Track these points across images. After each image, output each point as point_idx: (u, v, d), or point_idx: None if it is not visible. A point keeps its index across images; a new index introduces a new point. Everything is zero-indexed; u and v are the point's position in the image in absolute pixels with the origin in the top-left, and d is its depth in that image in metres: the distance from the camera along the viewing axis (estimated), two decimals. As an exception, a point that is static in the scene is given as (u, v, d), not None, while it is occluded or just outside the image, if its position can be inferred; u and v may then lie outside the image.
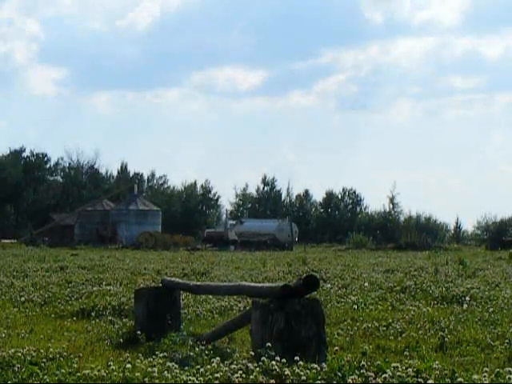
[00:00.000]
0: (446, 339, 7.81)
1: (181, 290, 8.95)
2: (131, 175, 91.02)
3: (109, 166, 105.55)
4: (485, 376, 5.05)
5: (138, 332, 8.13)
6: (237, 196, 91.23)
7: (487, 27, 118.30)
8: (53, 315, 10.79)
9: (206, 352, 6.49)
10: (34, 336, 8.86)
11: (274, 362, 5.39)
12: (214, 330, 8.18)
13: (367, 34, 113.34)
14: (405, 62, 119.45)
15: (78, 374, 5.54)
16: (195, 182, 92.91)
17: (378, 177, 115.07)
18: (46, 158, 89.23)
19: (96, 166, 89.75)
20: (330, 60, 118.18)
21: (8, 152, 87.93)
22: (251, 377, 5.21)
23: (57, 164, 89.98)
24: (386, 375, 5.09)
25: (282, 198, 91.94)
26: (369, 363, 5.44)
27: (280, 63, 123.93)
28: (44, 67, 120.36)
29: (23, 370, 5.93)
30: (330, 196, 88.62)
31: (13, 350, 6.71)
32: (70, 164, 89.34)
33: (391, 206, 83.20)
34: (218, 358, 5.75)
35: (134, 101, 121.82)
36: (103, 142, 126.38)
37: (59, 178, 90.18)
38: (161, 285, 8.99)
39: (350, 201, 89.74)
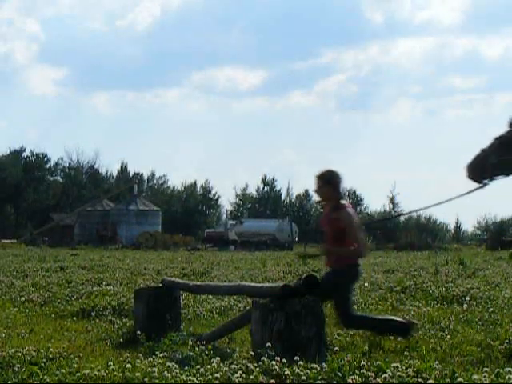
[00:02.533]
0: (445, 339, 7.81)
1: (181, 290, 8.96)
2: (131, 175, 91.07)
3: (109, 166, 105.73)
4: (485, 376, 5.05)
5: (138, 332, 8.12)
6: (237, 196, 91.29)
7: (487, 27, 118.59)
8: (53, 315, 10.79)
9: (206, 352, 6.48)
10: (34, 336, 8.85)
11: (273, 362, 5.39)
12: (213, 330, 8.18)
13: (367, 34, 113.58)
14: (405, 62, 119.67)
15: (78, 374, 5.54)
16: (195, 182, 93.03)
17: (378, 177, 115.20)
18: (46, 158, 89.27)
19: (96, 166, 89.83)
20: (330, 60, 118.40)
21: (8, 152, 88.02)
22: (251, 377, 5.21)
23: (57, 164, 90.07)
24: (386, 375, 5.08)
25: (282, 198, 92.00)
26: (369, 363, 5.44)
27: (280, 63, 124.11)
28: (44, 67, 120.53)
29: (23, 369, 5.92)
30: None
31: (13, 350, 6.70)
32: (69, 164, 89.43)
33: (391, 205, 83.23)
34: (218, 358, 5.75)
35: (133, 101, 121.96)
36: (103, 142, 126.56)
37: (59, 178, 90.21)
38: (161, 285, 9.00)
39: (350, 201, 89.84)
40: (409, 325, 7.29)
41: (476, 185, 8.10)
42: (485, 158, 8.01)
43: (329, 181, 7.39)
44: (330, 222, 7.26)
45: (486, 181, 8.12)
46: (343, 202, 7.42)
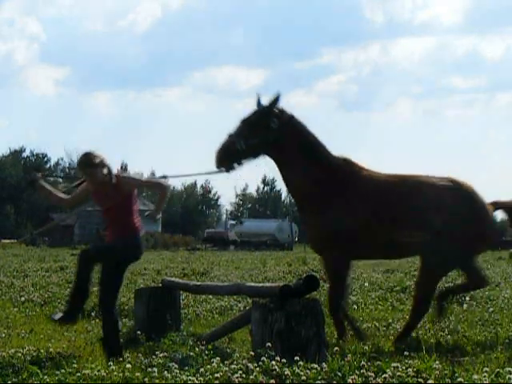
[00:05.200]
0: (445, 339, 7.80)
1: (181, 290, 8.96)
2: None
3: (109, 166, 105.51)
4: (485, 376, 5.04)
5: (138, 332, 8.13)
6: (237, 196, 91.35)
7: (488, 27, 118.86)
8: (53, 315, 10.77)
9: (206, 352, 6.48)
10: (34, 336, 8.85)
11: (273, 362, 5.39)
12: (213, 330, 8.18)
13: (368, 34, 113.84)
14: (405, 62, 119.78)
15: (78, 374, 5.54)
16: (195, 182, 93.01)
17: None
18: (46, 158, 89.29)
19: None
20: (331, 60, 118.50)
21: (8, 152, 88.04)
22: (251, 377, 5.21)
23: (57, 164, 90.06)
24: (386, 375, 5.08)
25: (282, 198, 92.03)
26: (369, 363, 5.43)
27: (280, 63, 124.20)
28: (44, 67, 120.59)
29: (23, 369, 5.92)
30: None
31: (13, 350, 6.70)
32: (69, 164, 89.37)
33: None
34: (218, 358, 5.74)
35: (134, 101, 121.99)
36: (103, 141, 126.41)
37: (59, 178, 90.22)
38: (161, 285, 9.00)
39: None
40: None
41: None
42: (232, 143, 7.79)
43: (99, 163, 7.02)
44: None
45: (235, 165, 7.90)
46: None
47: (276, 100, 7.84)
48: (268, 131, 7.75)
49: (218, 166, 7.92)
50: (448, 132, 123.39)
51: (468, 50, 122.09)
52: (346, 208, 7.72)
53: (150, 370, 5.51)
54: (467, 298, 11.44)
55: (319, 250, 8.00)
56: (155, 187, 7.47)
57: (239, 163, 7.94)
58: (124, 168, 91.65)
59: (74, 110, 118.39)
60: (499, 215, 8.54)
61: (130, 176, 7.23)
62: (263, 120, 7.77)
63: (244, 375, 5.24)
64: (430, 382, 4.98)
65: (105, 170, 7.06)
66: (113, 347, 6.83)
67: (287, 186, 8.06)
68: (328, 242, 7.75)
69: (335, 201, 7.75)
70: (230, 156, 7.83)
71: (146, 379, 5.32)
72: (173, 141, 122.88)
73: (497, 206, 8.24)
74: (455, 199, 7.77)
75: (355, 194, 7.77)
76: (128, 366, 5.62)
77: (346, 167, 7.88)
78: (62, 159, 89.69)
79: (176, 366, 5.63)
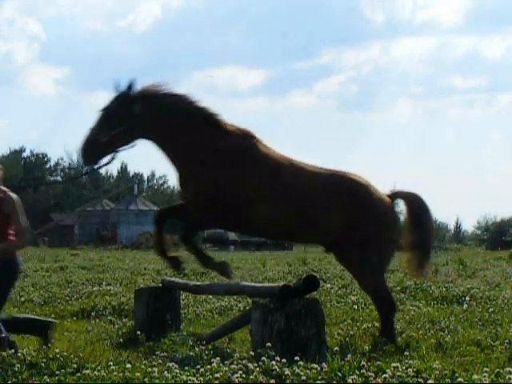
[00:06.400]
0: (445, 339, 7.80)
1: (180, 290, 8.96)
2: (131, 175, 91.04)
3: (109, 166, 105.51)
4: (485, 376, 5.05)
5: (138, 332, 8.13)
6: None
7: (488, 27, 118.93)
8: (53, 315, 10.77)
9: (206, 352, 6.48)
10: (34, 336, 8.83)
11: (273, 362, 5.39)
12: (213, 330, 8.18)
13: (368, 34, 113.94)
14: (405, 62, 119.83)
15: (78, 374, 5.54)
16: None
17: (378, 177, 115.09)
18: (46, 158, 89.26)
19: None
20: (331, 60, 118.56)
21: (8, 152, 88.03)
22: (251, 377, 5.21)
23: (57, 164, 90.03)
24: (386, 375, 5.09)
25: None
26: (369, 363, 5.44)
27: (280, 63, 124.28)
28: (44, 67, 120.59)
29: (23, 369, 5.92)
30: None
31: (13, 350, 6.69)
32: (69, 164, 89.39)
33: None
34: (218, 358, 5.74)
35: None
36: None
37: (59, 178, 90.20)
38: (161, 285, 9.00)
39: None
40: (49, 324, 6.82)
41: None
42: (95, 137, 7.35)
43: None
44: None
45: (108, 158, 7.50)
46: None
47: (130, 86, 7.42)
48: (131, 117, 7.36)
49: (85, 164, 7.60)
50: (448, 132, 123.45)
51: (468, 50, 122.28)
52: (226, 175, 7.39)
53: (150, 370, 5.51)
54: (467, 298, 11.44)
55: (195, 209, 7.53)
56: (17, 231, 7.12)
57: (112, 153, 7.52)
58: (124, 168, 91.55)
59: (73, 110, 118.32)
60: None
61: (15, 202, 7.07)
62: (123, 107, 7.39)
63: (244, 375, 5.25)
64: (429, 382, 4.99)
65: None
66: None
67: (173, 164, 7.77)
68: (207, 209, 7.37)
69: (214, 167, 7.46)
70: (95, 150, 7.41)
71: (146, 379, 5.32)
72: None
73: (395, 195, 7.91)
74: (347, 193, 7.41)
75: (242, 166, 7.44)
76: (128, 365, 5.62)
77: (242, 139, 7.57)
78: (62, 159, 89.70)
79: (176, 365, 5.63)
